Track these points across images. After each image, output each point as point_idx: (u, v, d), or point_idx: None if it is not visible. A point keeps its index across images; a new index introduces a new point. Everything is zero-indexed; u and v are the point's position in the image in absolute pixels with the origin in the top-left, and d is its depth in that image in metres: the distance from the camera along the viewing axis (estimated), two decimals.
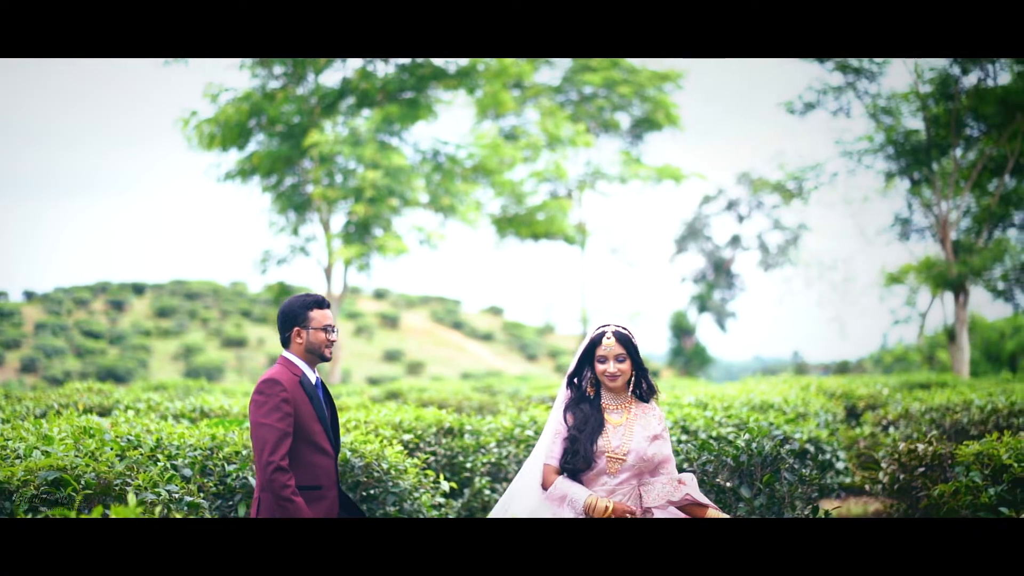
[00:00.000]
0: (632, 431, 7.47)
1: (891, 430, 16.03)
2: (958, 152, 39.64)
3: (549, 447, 7.67)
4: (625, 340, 7.53)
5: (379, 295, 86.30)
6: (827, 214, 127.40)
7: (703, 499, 7.40)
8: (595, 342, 7.61)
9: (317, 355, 7.66)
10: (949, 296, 42.93)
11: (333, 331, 7.71)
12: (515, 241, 47.32)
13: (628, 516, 7.32)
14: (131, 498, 5.42)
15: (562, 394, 7.82)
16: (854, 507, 15.94)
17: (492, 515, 7.95)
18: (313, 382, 7.64)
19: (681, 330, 69.32)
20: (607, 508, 7.32)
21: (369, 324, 76.82)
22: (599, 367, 7.58)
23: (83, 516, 5.86)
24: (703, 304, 69.08)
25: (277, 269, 36.50)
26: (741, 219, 69.26)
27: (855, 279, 62.56)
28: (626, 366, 7.52)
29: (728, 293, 70.02)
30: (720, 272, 69.32)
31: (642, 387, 7.63)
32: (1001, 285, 41.71)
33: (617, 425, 7.51)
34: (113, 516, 5.53)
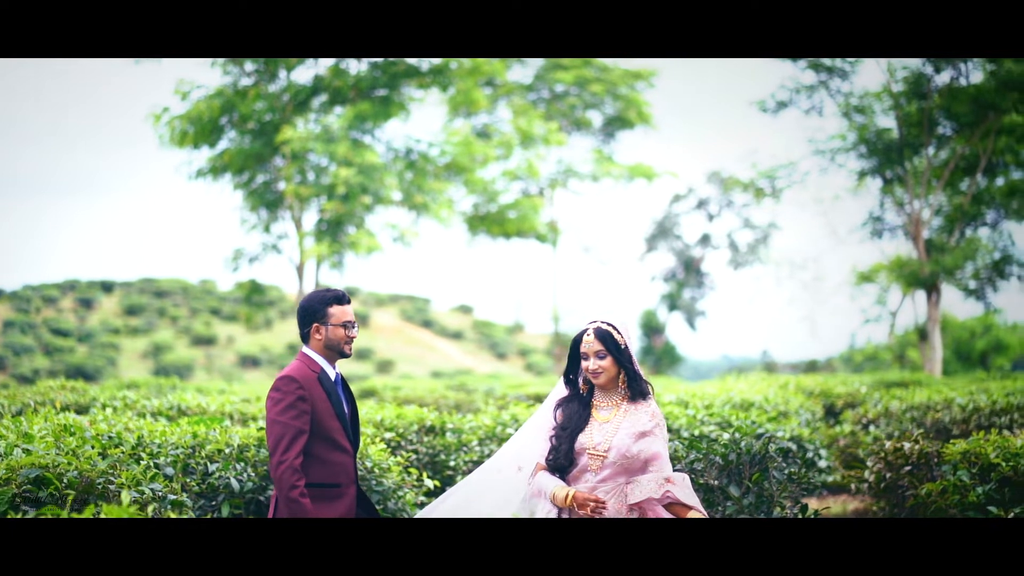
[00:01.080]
0: (618, 428, 7.37)
1: (871, 428, 16.03)
2: (930, 151, 39.72)
3: (536, 444, 7.65)
4: (604, 336, 7.46)
5: (350, 293, 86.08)
6: (798, 213, 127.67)
7: (688, 500, 7.28)
8: (578, 339, 7.57)
9: (336, 351, 7.58)
10: (920, 295, 43.08)
11: (353, 327, 7.63)
12: (486, 239, 47.31)
13: (592, 505, 7.23)
14: (125, 497, 5.33)
15: (557, 391, 7.78)
16: (834, 506, 15.91)
17: (450, 498, 7.88)
18: (332, 378, 7.55)
19: (651, 329, 69.37)
20: (567, 496, 7.29)
21: None
22: (583, 364, 7.54)
23: (74, 516, 5.76)
24: (673, 303, 69.13)
25: (249, 267, 36.33)
26: (711, 218, 69.34)
27: (825, 278, 62.65)
28: (606, 363, 7.44)
29: (698, 292, 70.07)
30: (690, 271, 69.36)
31: (633, 384, 7.52)
32: (973, 284, 41.81)
33: (604, 422, 7.43)
34: (106, 516, 5.44)
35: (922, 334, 43.86)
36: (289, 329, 72.63)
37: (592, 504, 7.24)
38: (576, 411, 7.56)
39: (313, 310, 7.55)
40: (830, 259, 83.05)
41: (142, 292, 76.17)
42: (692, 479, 9.13)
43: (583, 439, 7.42)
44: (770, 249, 68.06)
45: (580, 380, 7.63)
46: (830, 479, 15.51)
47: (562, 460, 7.45)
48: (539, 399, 20.92)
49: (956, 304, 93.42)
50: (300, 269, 35.45)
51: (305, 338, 7.60)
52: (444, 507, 7.83)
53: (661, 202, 69.27)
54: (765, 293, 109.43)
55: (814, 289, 63.17)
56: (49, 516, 6.13)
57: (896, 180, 41.29)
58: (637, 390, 7.50)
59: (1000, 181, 40.90)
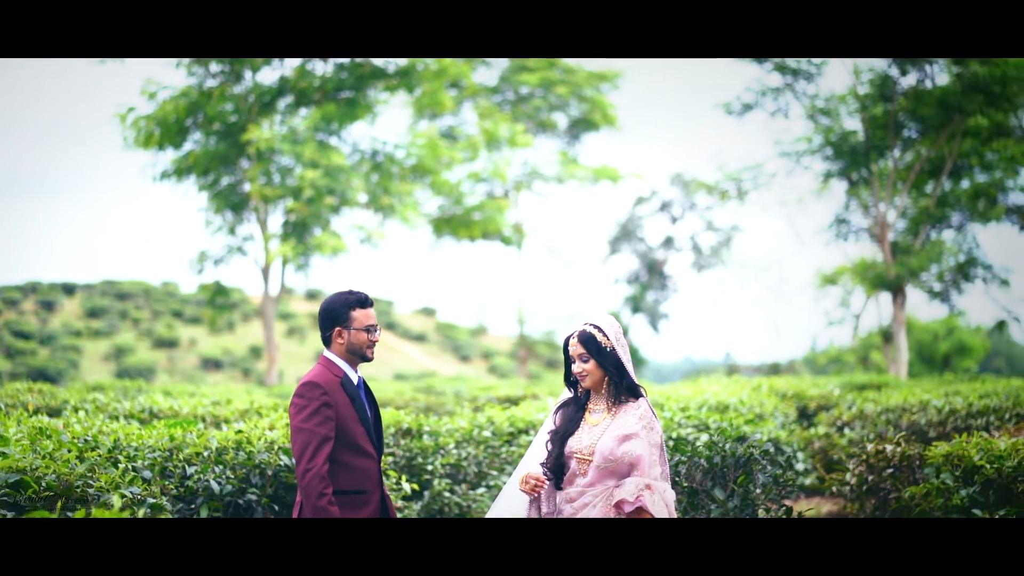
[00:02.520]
0: (604, 431, 7.31)
1: (846, 431, 16.02)
2: (896, 153, 39.85)
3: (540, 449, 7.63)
4: (586, 339, 7.41)
5: (312, 296, 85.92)
6: (762, 215, 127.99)
7: (657, 513, 7.17)
8: (567, 341, 7.51)
9: (359, 356, 7.46)
10: (883, 297, 43.18)
11: (376, 331, 7.51)
12: (451, 241, 47.27)
13: (532, 483, 7.28)
14: (116, 501, 5.25)
15: (564, 395, 7.76)
16: (808, 508, 15.87)
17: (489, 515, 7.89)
18: (355, 382, 7.44)
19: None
20: (524, 481, 7.32)
21: (302, 325, 76.51)
22: (571, 367, 7.48)
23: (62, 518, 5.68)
24: (636, 305, 69.08)
25: (214, 269, 36.16)
26: (674, 220, 69.30)
27: (789, 280, 62.89)
28: (589, 366, 7.38)
29: (661, 294, 70.02)
30: (653, 273, 69.32)
31: (617, 387, 7.44)
32: (937, 286, 41.96)
33: (593, 425, 7.39)
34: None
35: (886, 336, 43.97)
36: (251, 331, 72.43)
37: (532, 482, 7.27)
38: (571, 414, 7.53)
39: (336, 314, 7.43)
40: (794, 261, 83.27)
41: (104, 294, 75.82)
42: (676, 482, 9.08)
43: (572, 442, 7.38)
44: (733, 251, 68.17)
45: (577, 383, 7.57)
46: (807, 482, 15.49)
47: (553, 464, 7.42)
48: (511, 401, 20.86)
49: (919, 307, 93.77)
50: (266, 271, 35.31)
51: (327, 342, 7.47)
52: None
53: (626, 204, 69.24)
54: (728, 295, 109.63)
55: (778, 291, 63.31)
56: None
57: (862, 182, 41.41)
58: (620, 393, 7.40)
59: (965, 183, 41.08)
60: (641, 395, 7.47)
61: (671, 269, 69.27)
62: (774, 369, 66.45)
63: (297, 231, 34.04)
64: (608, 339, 7.40)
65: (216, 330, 52.53)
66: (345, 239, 34.78)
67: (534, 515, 7.48)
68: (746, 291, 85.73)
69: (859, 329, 53.20)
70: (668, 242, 68.87)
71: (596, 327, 7.43)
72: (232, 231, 35.53)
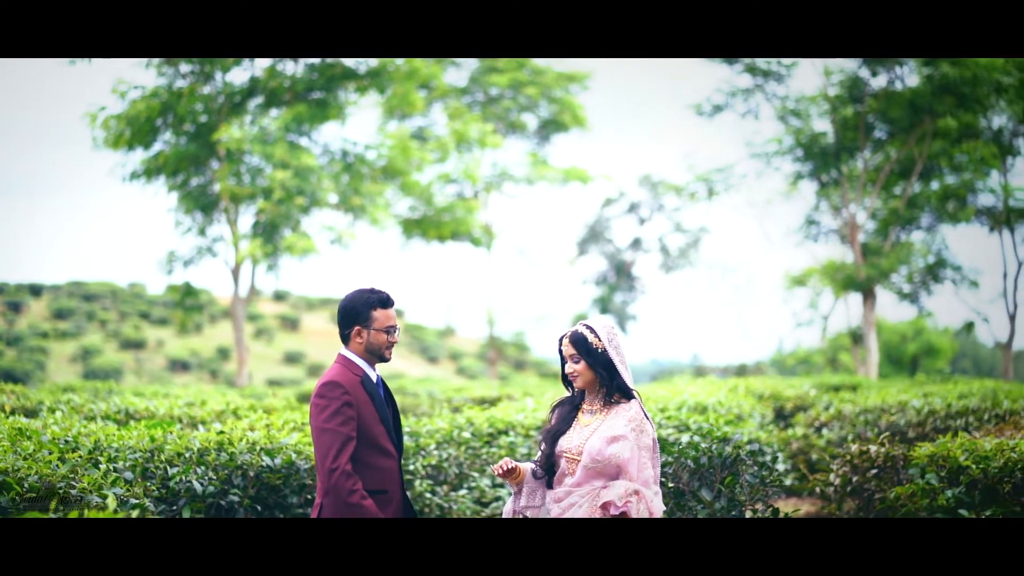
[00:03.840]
0: (594, 432, 7.28)
1: (824, 431, 16.01)
2: (866, 155, 39.96)
3: None
4: (577, 340, 7.38)
5: (279, 297, 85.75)
6: (731, 216, 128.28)
7: (638, 514, 7.14)
8: (560, 342, 7.48)
9: (376, 356, 7.35)
10: (851, 299, 43.30)
11: (395, 332, 7.41)
12: (420, 243, 47.22)
13: (499, 469, 7.26)
14: (111, 502, 5.17)
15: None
16: (786, 509, 15.86)
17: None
18: (374, 380, 7.35)
19: None
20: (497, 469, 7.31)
21: (269, 326, 76.29)
22: (564, 367, 7.45)
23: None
24: (604, 306, 69.13)
25: (183, 270, 35.98)
26: (642, 221, 69.38)
27: (757, 282, 63.15)
28: (580, 367, 7.35)
29: (629, 295, 70.09)
30: (621, 275, 69.39)
31: (608, 388, 7.40)
32: (907, 288, 42.09)
33: (585, 426, 7.37)
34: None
35: (854, 337, 44.10)
36: (218, 333, 72.17)
37: (503, 467, 7.27)
38: (565, 413, 7.52)
39: (356, 312, 7.32)
40: (762, 263, 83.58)
41: (71, 295, 75.41)
42: (663, 483, 9.04)
43: (563, 442, 7.37)
44: (701, 253, 68.33)
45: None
46: (787, 483, 15.48)
47: (544, 463, 7.41)
48: (486, 402, 20.83)
49: (887, 308, 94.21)
50: (235, 272, 35.18)
51: (345, 339, 7.38)
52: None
53: (596, 206, 69.30)
54: (696, 297, 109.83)
55: (746, 293, 63.40)
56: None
57: (832, 184, 41.53)
58: (611, 394, 7.36)
59: (935, 185, 41.23)
60: (633, 397, 7.41)
61: (639, 270, 69.37)
62: (741, 370, 66.65)
63: (267, 232, 33.90)
64: (600, 340, 7.36)
65: (184, 332, 52.28)
66: (315, 240, 34.66)
67: (517, 507, 7.45)
68: (714, 292, 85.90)
69: (827, 330, 53.35)
70: (636, 243, 68.98)
71: (589, 328, 7.40)
72: (202, 232, 35.37)
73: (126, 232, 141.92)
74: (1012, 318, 40.99)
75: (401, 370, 70.08)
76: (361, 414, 7.10)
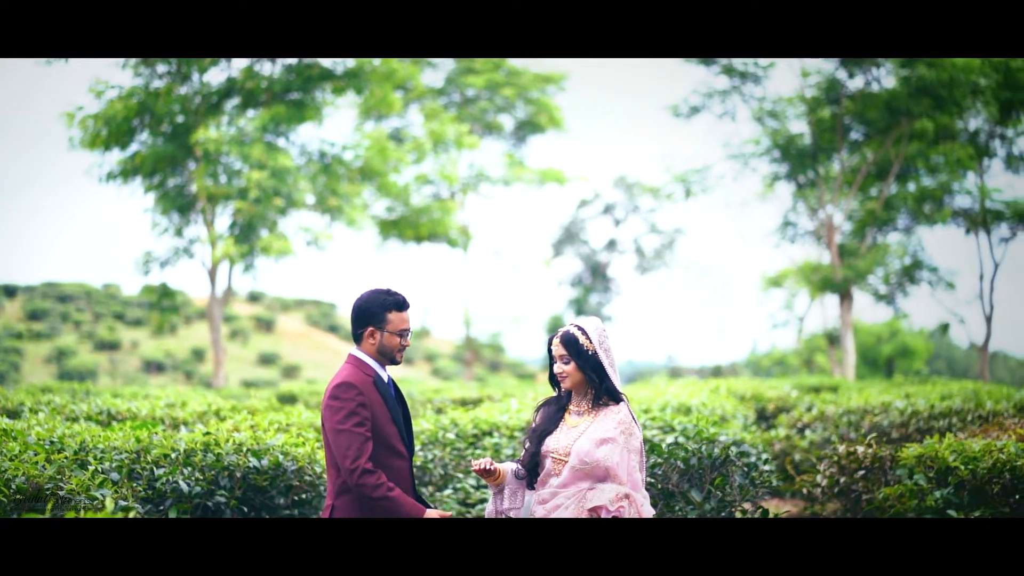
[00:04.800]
0: (582, 433, 7.24)
1: (807, 432, 16.01)
2: (843, 156, 40.04)
3: None
4: (568, 341, 7.33)
5: (254, 298, 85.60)
6: (707, 218, 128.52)
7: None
8: (550, 342, 7.45)
9: (388, 357, 7.27)
10: (827, 300, 43.41)
11: (408, 335, 7.34)
12: (397, 244, 47.15)
13: (483, 468, 7.25)
14: (109, 504, 5.13)
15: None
16: (773, 510, 15.85)
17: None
18: (386, 381, 7.27)
19: None
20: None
21: (244, 327, 76.13)
22: (553, 367, 7.41)
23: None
24: (580, 308, 69.12)
25: (160, 271, 35.85)
26: (617, 223, 69.40)
27: (733, 283, 63.35)
28: (570, 368, 7.31)
29: (604, 297, 70.09)
30: (596, 276, 69.39)
31: (596, 391, 7.36)
32: (883, 289, 42.20)
33: (572, 427, 7.32)
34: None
35: (830, 339, 44.19)
36: (193, 334, 72.01)
37: (479, 465, 7.26)
38: (551, 413, 7.47)
39: (371, 313, 7.24)
40: (738, 264, 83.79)
41: (45, 296, 75.18)
42: (652, 484, 9.03)
43: (550, 442, 7.32)
44: (676, 254, 68.40)
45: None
46: (772, 483, 15.46)
47: (528, 462, 7.36)
48: (466, 403, 20.80)
49: (862, 309, 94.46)
50: (212, 273, 35.07)
51: (357, 339, 7.30)
52: None
53: (572, 207, 69.30)
54: (671, 298, 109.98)
55: (721, 294, 63.52)
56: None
57: (809, 185, 41.60)
58: (599, 397, 7.32)
59: (911, 187, 41.33)
60: (622, 400, 7.38)
61: (614, 271, 69.35)
62: (716, 372, 66.78)
63: (244, 232, 33.80)
64: (591, 342, 7.33)
65: (160, 333, 52.09)
66: (291, 241, 34.57)
67: (499, 508, 7.44)
68: (690, 294, 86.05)
69: (803, 332, 53.47)
70: (611, 245, 68.96)
71: (580, 329, 7.37)
72: (179, 233, 35.24)
73: (101, 233, 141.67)
74: (988, 319, 41.13)
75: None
76: (374, 414, 7.03)
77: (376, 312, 7.24)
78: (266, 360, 70.74)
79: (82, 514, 5.53)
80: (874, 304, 43.30)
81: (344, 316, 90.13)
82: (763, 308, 49.30)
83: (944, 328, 45.46)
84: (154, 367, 65.95)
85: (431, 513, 7.02)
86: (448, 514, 7.12)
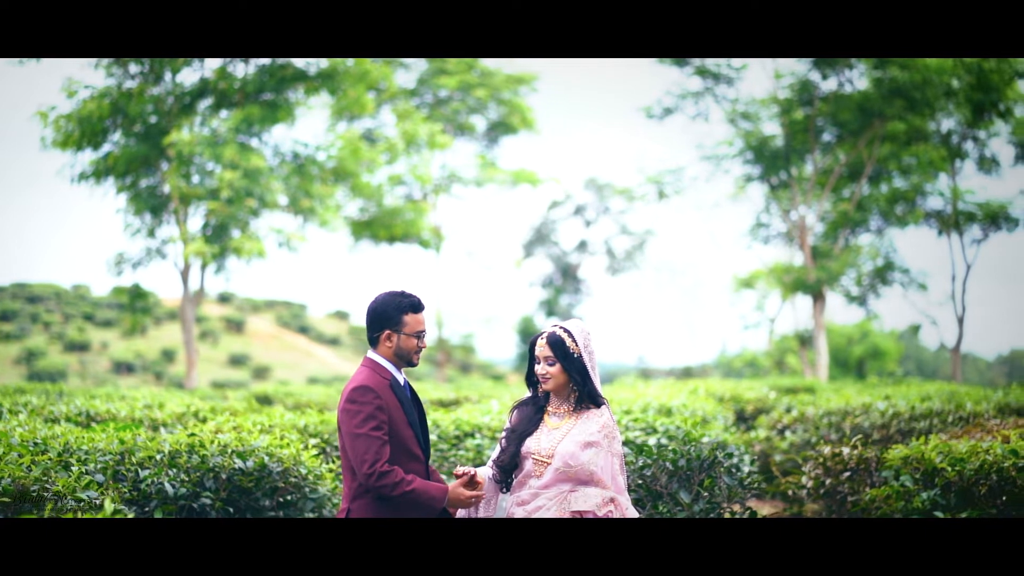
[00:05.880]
0: (565, 435, 7.23)
1: (787, 434, 16.01)
2: (816, 157, 40.13)
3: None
4: (555, 343, 7.32)
5: (224, 299, 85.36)
6: (679, 219, 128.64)
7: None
8: (533, 342, 7.42)
9: (404, 360, 7.23)
10: (798, 301, 43.52)
11: (424, 336, 7.32)
12: (369, 244, 47.06)
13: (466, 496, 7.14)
14: (108, 505, 5.08)
15: (528, 394, 7.64)
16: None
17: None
18: (402, 384, 7.23)
19: (528, 335, 69.46)
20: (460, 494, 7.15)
21: (214, 328, 75.93)
22: (535, 367, 7.38)
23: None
24: (550, 309, 69.19)
25: (132, 272, 35.70)
26: (588, 224, 69.52)
27: (704, 284, 63.49)
28: (555, 370, 7.29)
29: (575, 298, 70.19)
30: (567, 277, 69.46)
31: (580, 394, 7.32)
32: (855, 290, 42.31)
33: (553, 429, 7.31)
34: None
35: (802, 340, 44.29)
36: (163, 334, 71.77)
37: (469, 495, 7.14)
38: (529, 414, 7.44)
39: (387, 316, 7.19)
40: (710, 265, 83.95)
41: (15, 297, 74.82)
42: (642, 485, 9.01)
43: (530, 443, 7.29)
44: (647, 255, 68.54)
45: (539, 383, 7.44)
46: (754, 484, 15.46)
47: (507, 462, 7.33)
48: (443, 404, 20.77)
49: (833, 311, 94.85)
50: (185, 273, 34.94)
51: (373, 342, 7.26)
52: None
53: (545, 208, 69.39)
54: (642, 299, 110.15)
55: (692, 295, 63.64)
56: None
57: (781, 186, 41.68)
58: (583, 400, 7.31)
59: (884, 188, 41.47)
60: (603, 403, 7.38)
61: (585, 273, 69.45)
62: (686, 373, 66.90)
63: (216, 232, 33.67)
64: (576, 344, 7.31)
65: (132, 334, 51.97)
66: (264, 242, 34.44)
67: (478, 514, 7.41)
68: (661, 295, 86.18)
69: (774, 333, 53.59)
70: (582, 246, 69.06)
71: (566, 331, 7.36)
72: (151, 233, 35.08)
73: (70, 234, 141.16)
74: (960, 321, 41.27)
75: (347, 372, 69.93)
76: (391, 418, 7.00)
77: (392, 315, 7.20)
78: (236, 361, 70.56)
79: (69, 516, 5.47)
80: (846, 305, 43.37)
81: (315, 317, 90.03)
82: (734, 309, 49.33)
83: (915, 329, 45.62)
84: (124, 368, 65.71)
85: (456, 487, 7.04)
86: (472, 471, 7.11)
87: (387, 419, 6.96)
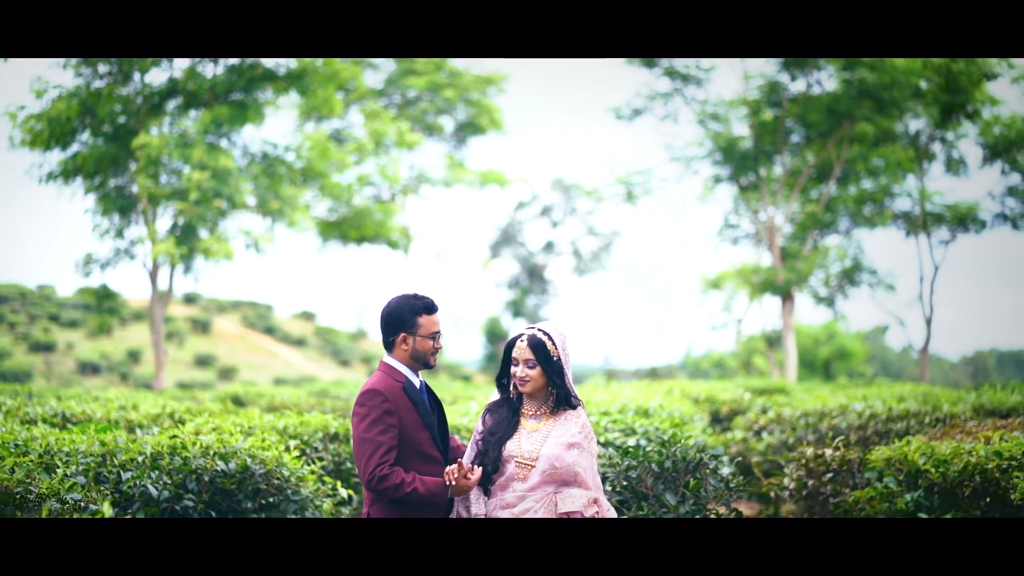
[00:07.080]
0: (547, 437, 7.21)
1: (763, 435, 16.01)
2: (784, 158, 40.25)
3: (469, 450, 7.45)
4: (536, 345, 7.28)
5: (190, 299, 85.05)
6: (647, 220, 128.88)
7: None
8: (511, 343, 7.39)
9: (421, 362, 7.24)
10: (766, 302, 43.66)
11: (440, 337, 7.30)
12: (337, 245, 46.97)
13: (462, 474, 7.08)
14: (107, 508, 5.04)
15: (493, 396, 7.61)
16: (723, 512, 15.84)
17: None
18: (417, 387, 7.21)
19: (495, 336, 69.47)
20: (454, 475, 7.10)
21: (180, 329, 75.61)
22: (512, 370, 7.36)
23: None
24: (517, 310, 69.21)
25: (101, 273, 35.54)
26: (555, 225, 69.55)
27: (671, 285, 63.65)
28: (535, 372, 7.26)
29: (541, 299, 70.21)
30: (534, 278, 69.47)
31: (560, 396, 7.30)
32: (824, 291, 42.46)
33: (533, 431, 7.29)
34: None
35: (769, 341, 44.40)
36: (129, 335, 71.49)
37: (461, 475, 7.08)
38: (505, 417, 7.40)
39: (402, 319, 7.19)
40: (678, 266, 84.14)
41: None
42: (626, 486, 8.99)
43: (511, 446, 7.26)
44: (613, 256, 68.64)
45: (511, 385, 7.43)
46: (732, 485, 15.46)
47: (489, 467, 7.26)
48: None
49: (800, 311, 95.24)
50: (153, 274, 34.80)
51: (389, 346, 7.25)
52: None
53: (512, 208, 69.41)
54: (609, 300, 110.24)
55: (661, 296, 63.73)
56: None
57: (750, 187, 41.79)
58: (560, 402, 7.31)
59: (852, 189, 41.64)
60: (579, 405, 7.38)
61: (551, 273, 69.46)
62: (653, 374, 66.94)
63: (184, 233, 33.54)
64: (556, 347, 7.28)
65: (99, 334, 51.66)
66: (232, 244, 34.31)
67: (463, 508, 7.34)
68: (628, 296, 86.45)
69: (741, 334, 53.72)
70: (549, 247, 69.08)
71: (546, 334, 7.31)
72: (120, 234, 34.92)
73: (35, 234, 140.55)
74: (928, 322, 41.42)
75: (313, 373, 69.84)
76: (403, 421, 7.00)
77: (407, 318, 7.20)
78: (202, 362, 70.28)
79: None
80: (814, 306, 43.50)
81: (281, 318, 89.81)
82: (702, 310, 49.44)
83: (882, 330, 45.82)
84: (89, 369, 65.42)
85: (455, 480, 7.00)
86: (460, 465, 7.03)
87: (396, 422, 6.95)
